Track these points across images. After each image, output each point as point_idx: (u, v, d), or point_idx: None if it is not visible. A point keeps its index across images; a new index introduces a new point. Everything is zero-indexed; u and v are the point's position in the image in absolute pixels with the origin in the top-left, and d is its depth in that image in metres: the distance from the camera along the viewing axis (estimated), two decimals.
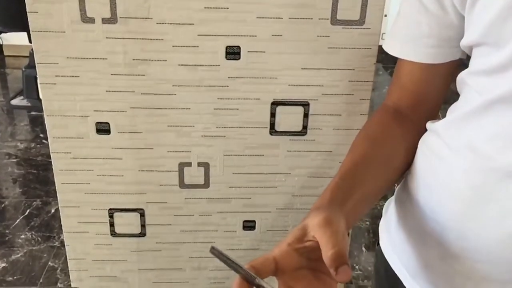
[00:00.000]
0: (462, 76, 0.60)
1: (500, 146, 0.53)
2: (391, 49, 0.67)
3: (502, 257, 0.54)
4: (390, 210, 0.73)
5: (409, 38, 0.64)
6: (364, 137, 0.66)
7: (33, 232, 2.08)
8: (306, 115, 0.92)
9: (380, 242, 0.74)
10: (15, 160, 2.60)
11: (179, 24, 0.84)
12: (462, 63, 0.64)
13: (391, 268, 0.70)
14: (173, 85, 0.88)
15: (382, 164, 0.64)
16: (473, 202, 0.55)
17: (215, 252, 0.48)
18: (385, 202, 0.77)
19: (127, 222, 1.00)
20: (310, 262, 0.50)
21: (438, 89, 0.67)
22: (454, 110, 0.61)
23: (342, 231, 0.49)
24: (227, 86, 0.89)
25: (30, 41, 0.85)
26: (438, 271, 0.62)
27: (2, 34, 3.54)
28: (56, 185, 0.96)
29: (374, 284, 0.80)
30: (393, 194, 0.74)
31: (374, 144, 0.65)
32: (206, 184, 0.98)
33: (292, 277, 0.49)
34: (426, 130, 0.66)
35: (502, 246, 0.53)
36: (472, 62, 0.58)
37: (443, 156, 0.60)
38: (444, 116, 0.64)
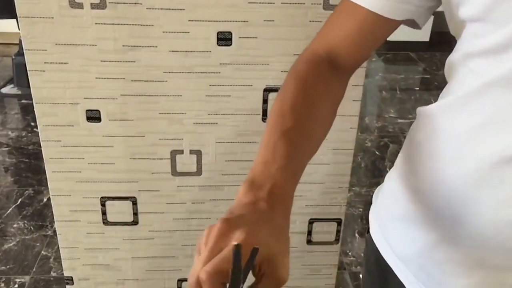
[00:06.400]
0: (456, 58, 0.58)
1: (494, 131, 0.52)
2: None
3: (495, 244, 0.54)
4: (380, 198, 0.73)
5: None
6: (304, 92, 0.63)
7: (26, 221, 2.07)
8: None
9: (370, 230, 0.74)
10: (6, 149, 2.58)
11: (170, 9, 0.82)
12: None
13: (381, 256, 0.70)
14: (164, 72, 0.87)
15: (321, 126, 0.63)
16: (466, 188, 0.55)
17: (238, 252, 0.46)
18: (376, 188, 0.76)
19: (119, 210, 1.00)
20: None
21: (376, 44, 0.66)
22: (447, 95, 0.60)
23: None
24: (219, 72, 0.88)
25: (19, 28, 0.84)
26: (430, 258, 0.62)
27: None
28: (46, 173, 0.95)
29: (365, 272, 0.80)
30: (383, 181, 0.74)
31: (314, 103, 0.62)
32: (199, 172, 0.97)
33: None
34: (348, 79, 0.65)
35: (495, 233, 0.53)
36: (468, 43, 0.56)
37: (436, 141, 0.60)
38: (436, 101, 0.63)
